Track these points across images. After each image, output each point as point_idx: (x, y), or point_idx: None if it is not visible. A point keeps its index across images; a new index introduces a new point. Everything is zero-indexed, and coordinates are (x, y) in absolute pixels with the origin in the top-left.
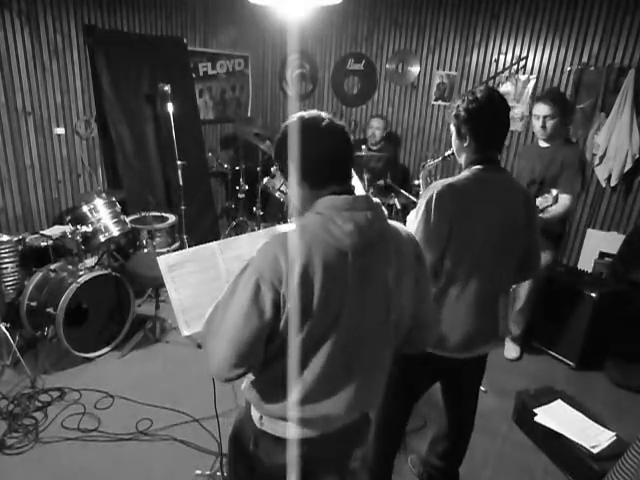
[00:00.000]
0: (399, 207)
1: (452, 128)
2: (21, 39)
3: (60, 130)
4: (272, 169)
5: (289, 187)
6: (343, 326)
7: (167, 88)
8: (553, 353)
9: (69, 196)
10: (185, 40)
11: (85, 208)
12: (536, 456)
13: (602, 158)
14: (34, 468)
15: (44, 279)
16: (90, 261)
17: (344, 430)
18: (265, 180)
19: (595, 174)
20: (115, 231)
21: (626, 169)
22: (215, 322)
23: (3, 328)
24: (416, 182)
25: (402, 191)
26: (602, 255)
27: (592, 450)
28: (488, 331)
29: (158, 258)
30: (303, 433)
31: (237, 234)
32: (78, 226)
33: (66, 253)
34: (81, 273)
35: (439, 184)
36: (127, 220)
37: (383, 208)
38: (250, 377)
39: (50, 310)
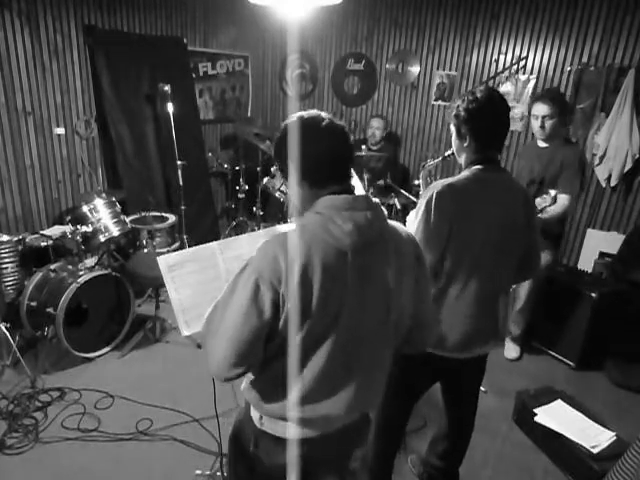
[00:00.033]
0: (399, 207)
1: (452, 128)
2: (21, 39)
3: (60, 130)
4: (272, 169)
5: (289, 187)
6: (343, 326)
7: (167, 88)
8: (553, 353)
9: (69, 196)
10: (185, 40)
11: (85, 208)
12: (536, 456)
13: (602, 158)
14: (34, 468)
15: (44, 279)
16: (90, 261)
17: (344, 430)
18: (265, 180)
19: (595, 174)
20: (115, 231)
21: (626, 169)
22: (214, 321)
23: (3, 328)
24: (416, 182)
25: (402, 191)
26: (602, 255)
27: (592, 450)
28: (488, 331)
29: (158, 258)
30: (303, 433)
31: (237, 234)
32: (78, 226)
33: (66, 253)
34: (81, 273)
35: (439, 184)
36: (127, 220)
37: (383, 208)
38: (250, 377)
39: (50, 310)
